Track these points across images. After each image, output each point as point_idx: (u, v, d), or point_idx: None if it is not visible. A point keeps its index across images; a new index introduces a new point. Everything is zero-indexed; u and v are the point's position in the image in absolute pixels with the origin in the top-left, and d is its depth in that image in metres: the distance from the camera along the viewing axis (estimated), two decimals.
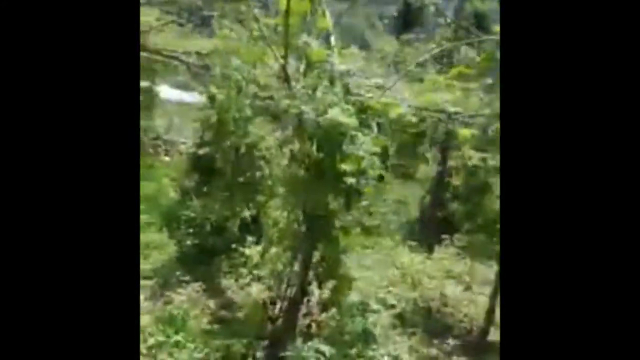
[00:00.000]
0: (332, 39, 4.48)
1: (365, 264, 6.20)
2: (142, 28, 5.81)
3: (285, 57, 3.86)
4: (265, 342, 3.78)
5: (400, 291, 5.68)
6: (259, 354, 3.69)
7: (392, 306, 5.24)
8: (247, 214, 5.34)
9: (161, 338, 3.69)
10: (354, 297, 4.57)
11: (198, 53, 5.77)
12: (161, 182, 6.49)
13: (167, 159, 8.21)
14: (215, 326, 4.03)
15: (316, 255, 4.07)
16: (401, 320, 4.99)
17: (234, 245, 5.09)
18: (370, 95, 4.56)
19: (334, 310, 4.17)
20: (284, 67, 3.89)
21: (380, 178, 5.23)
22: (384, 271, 6.19)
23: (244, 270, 4.91)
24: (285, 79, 3.91)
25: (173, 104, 8.53)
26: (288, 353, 3.51)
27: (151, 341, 3.65)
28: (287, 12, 3.68)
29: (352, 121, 3.60)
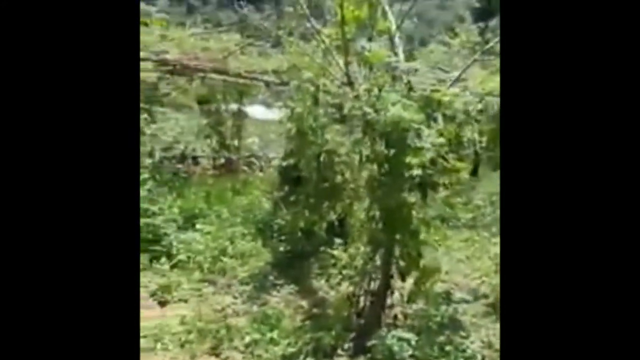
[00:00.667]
0: (396, 39, 4.63)
1: (458, 256, 6.23)
2: (221, 54, 6.32)
3: (346, 64, 4.08)
4: (353, 334, 3.97)
5: (494, 281, 5.63)
6: (346, 345, 3.88)
7: (485, 296, 5.23)
8: (333, 217, 5.59)
9: (257, 336, 4.00)
10: (440, 287, 4.66)
11: (274, 71, 6.16)
12: (254, 195, 6.90)
13: (261, 174, 8.67)
14: (307, 322, 4.28)
15: (398, 250, 4.21)
16: (495, 309, 4.95)
17: (322, 248, 5.35)
18: (437, 88, 4.65)
19: (420, 302, 4.30)
20: (347, 74, 4.11)
21: (473, 170, 5.18)
22: (477, 263, 6.18)
23: (334, 271, 5.14)
24: (349, 83, 4.12)
25: (261, 122, 9.03)
26: (373, 342, 3.69)
27: (247, 339, 3.97)
28: (342, 22, 3.90)
29: (415, 116, 3.72)
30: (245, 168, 8.92)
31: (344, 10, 4.03)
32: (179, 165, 8.38)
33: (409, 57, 6.49)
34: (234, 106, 8.33)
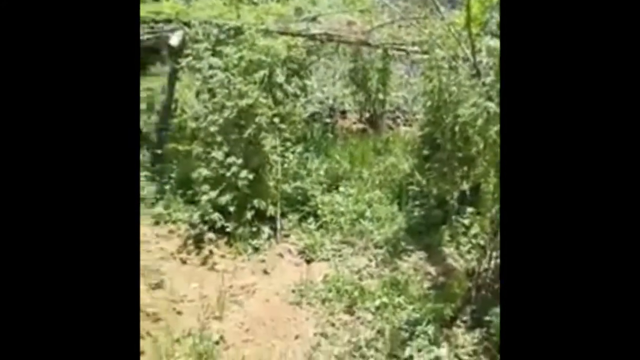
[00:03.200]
0: None
1: None
2: (363, 29, 6.69)
3: (473, 54, 4.25)
4: (472, 307, 4.36)
5: None
6: (465, 317, 4.30)
7: None
8: (465, 186, 5.85)
9: (386, 300, 4.56)
10: None
11: (414, 43, 6.43)
12: (394, 156, 7.26)
13: (404, 128, 9.03)
14: (432, 291, 4.74)
15: None
16: None
17: (454, 217, 5.69)
18: None
19: None
20: (474, 64, 4.29)
21: None
22: None
23: (464, 239, 5.49)
24: (477, 74, 4.30)
25: (406, 79, 9.33)
26: (488, 318, 4.07)
27: (377, 302, 4.55)
28: (469, 17, 4.06)
29: None
30: (390, 122, 9.32)
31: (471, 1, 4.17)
32: (328, 120, 9.02)
33: None
34: (379, 64, 8.66)
